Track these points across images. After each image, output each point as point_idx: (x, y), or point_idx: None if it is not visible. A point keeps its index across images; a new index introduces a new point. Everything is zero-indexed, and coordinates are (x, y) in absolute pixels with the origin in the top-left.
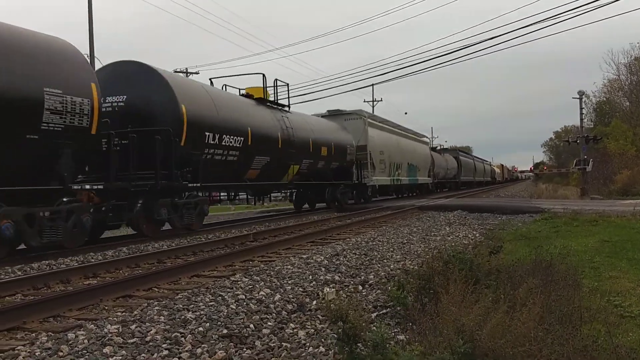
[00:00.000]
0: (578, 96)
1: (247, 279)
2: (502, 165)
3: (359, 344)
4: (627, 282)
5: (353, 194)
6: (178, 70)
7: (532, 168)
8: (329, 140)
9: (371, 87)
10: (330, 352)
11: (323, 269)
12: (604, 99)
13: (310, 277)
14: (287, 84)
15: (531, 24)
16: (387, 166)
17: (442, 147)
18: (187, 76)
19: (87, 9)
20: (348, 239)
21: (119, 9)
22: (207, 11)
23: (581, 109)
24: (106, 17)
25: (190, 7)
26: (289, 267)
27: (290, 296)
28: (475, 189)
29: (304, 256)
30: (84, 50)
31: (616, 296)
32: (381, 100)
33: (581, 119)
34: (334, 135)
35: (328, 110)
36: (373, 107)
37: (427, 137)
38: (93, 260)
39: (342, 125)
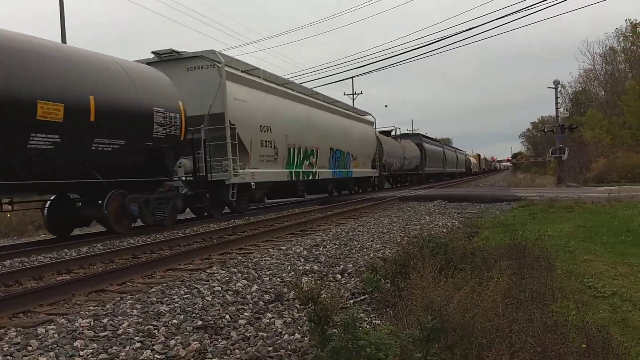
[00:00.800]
0: (553, 86)
1: (224, 271)
2: (479, 155)
3: (330, 325)
4: (601, 265)
5: (204, 199)
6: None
7: (510, 158)
8: (71, 93)
9: (351, 80)
10: (305, 338)
11: (302, 260)
12: (580, 89)
13: (289, 267)
14: None
15: (506, 15)
16: (280, 151)
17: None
18: None
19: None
20: (328, 230)
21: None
22: (179, 3)
23: (557, 98)
24: (74, 8)
25: None
26: (267, 258)
27: (268, 287)
28: (445, 181)
29: (283, 247)
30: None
31: (590, 278)
32: (361, 94)
33: (557, 108)
34: (103, 85)
35: (154, 52)
36: (353, 100)
37: (371, 116)
38: (67, 256)
39: (181, 78)
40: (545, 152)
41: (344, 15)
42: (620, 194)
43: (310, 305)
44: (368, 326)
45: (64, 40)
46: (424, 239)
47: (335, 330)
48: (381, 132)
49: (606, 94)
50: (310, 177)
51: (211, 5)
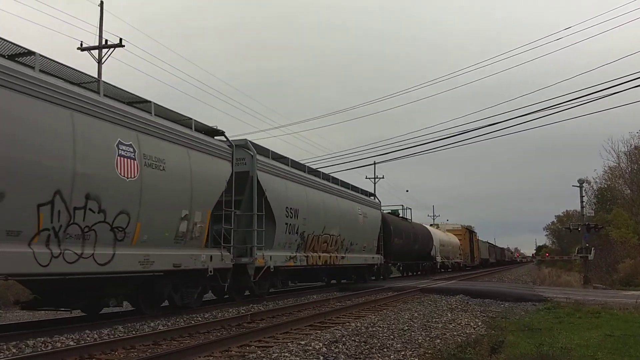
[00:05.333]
0: (578, 184)
1: None
2: (470, 231)
3: None
4: None
5: None
6: None
7: (534, 254)
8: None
9: (373, 165)
10: None
11: (321, 358)
12: (605, 185)
13: None
14: None
15: (530, 113)
16: None
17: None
18: None
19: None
20: (347, 324)
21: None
22: (207, 85)
23: (582, 197)
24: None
25: (190, 80)
26: (286, 354)
27: None
28: None
29: (302, 342)
30: None
31: None
32: (383, 178)
33: (582, 207)
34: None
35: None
36: (375, 184)
37: None
38: (89, 338)
39: None
40: (570, 247)
41: (371, 104)
42: None
43: None
44: None
45: None
46: (449, 352)
47: None
48: None
49: (632, 192)
50: None
51: (239, 88)
